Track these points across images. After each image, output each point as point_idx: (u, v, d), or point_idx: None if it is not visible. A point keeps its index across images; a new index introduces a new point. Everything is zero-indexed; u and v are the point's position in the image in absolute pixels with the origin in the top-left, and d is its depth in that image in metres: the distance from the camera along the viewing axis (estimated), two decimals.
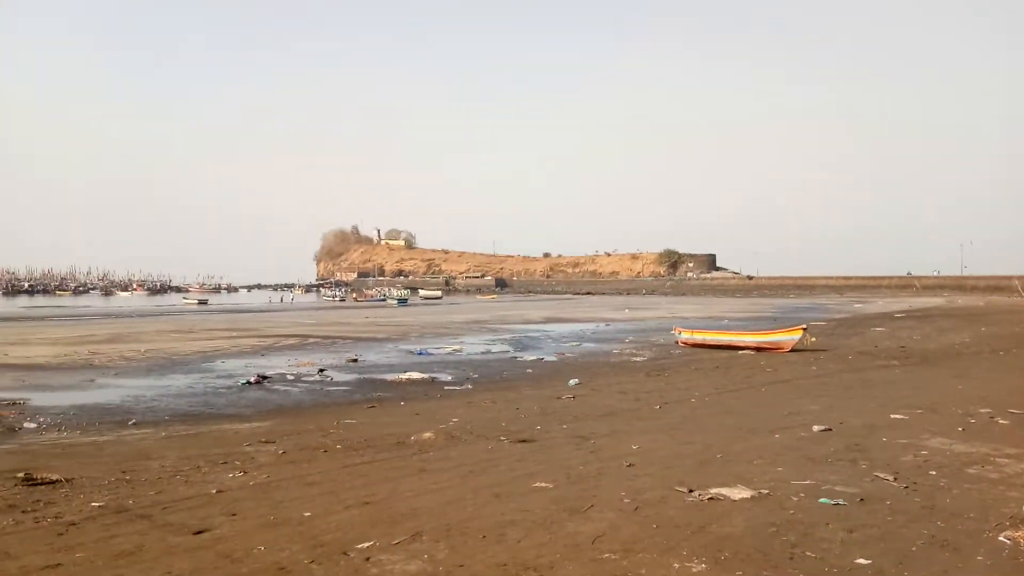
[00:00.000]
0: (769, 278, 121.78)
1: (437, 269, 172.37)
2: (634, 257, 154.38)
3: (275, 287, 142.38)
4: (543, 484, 7.05)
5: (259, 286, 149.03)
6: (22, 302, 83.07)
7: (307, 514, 6.15)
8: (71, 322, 41.31)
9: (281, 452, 8.86)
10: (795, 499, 6.47)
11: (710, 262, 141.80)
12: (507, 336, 30.71)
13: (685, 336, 25.33)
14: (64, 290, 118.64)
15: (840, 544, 5.31)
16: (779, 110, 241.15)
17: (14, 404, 12.85)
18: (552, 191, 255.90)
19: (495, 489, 6.90)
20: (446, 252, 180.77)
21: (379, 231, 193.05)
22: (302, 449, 9.06)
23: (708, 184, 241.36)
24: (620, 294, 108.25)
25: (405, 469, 7.90)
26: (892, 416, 10.72)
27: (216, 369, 18.71)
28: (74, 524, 6.02)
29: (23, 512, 6.38)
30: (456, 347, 25.11)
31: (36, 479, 7.46)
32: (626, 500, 6.45)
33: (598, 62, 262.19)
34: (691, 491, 6.71)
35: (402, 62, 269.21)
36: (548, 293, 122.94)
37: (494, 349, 24.79)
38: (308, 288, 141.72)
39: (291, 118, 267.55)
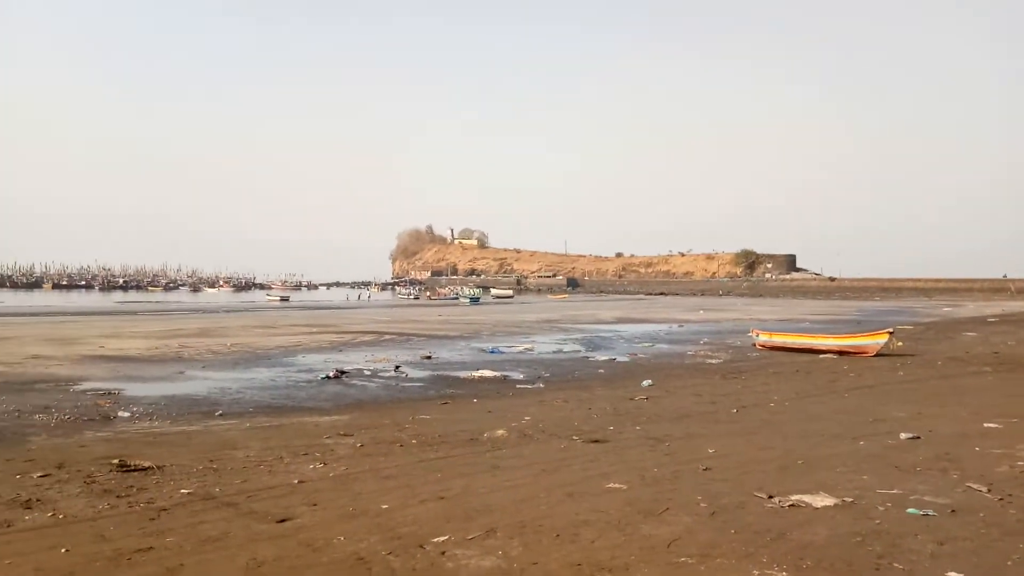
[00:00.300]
0: (852, 279, 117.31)
1: (509, 268, 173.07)
2: (709, 257, 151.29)
3: (352, 285, 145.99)
4: (617, 485, 6.99)
5: (337, 284, 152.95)
6: (117, 297, 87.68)
7: (384, 506, 6.28)
8: (162, 317, 43.32)
9: (359, 445, 9.07)
10: (881, 508, 6.22)
11: (789, 263, 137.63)
12: (578, 336, 30.58)
13: (763, 338, 24.68)
14: (156, 286, 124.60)
15: (930, 556, 5.08)
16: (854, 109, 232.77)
17: (109, 394, 13.56)
18: (624, 190, 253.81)
19: (568, 488, 6.88)
20: (518, 251, 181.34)
21: (452, 230, 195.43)
22: (379, 443, 9.24)
23: (788, 183, 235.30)
24: (694, 295, 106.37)
25: (478, 465, 7.97)
26: (985, 425, 10.18)
27: (297, 363, 19.29)
28: (165, 509, 6.31)
29: (117, 497, 6.72)
30: (527, 346, 25.16)
31: (129, 465, 7.86)
32: (703, 504, 6.33)
33: (677, 58, 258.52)
34: (771, 497, 6.53)
35: (474, 66, 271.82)
36: (620, 293, 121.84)
37: (565, 348, 24.73)
38: (383, 286, 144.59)
39: (372, 118, 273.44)
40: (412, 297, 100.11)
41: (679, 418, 11.17)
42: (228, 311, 52.97)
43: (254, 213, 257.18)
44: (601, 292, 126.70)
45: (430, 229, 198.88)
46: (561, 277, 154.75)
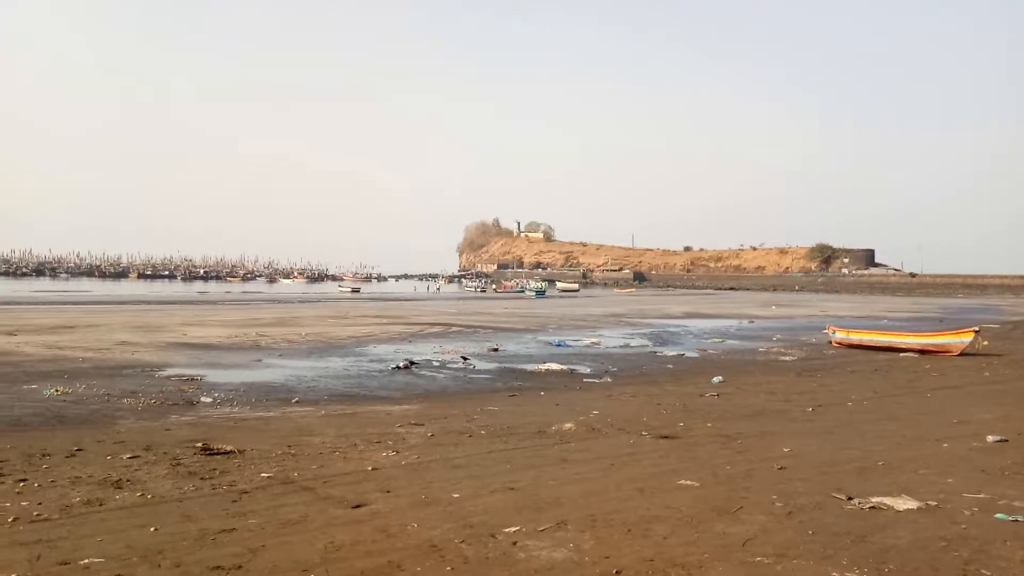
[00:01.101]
0: (934, 276, 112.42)
1: (575, 262, 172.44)
2: (782, 252, 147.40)
3: (420, 277, 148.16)
4: (688, 482, 6.90)
5: (406, 276, 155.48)
6: (197, 287, 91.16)
7: (455, 495, 6.36)
8: (240, 306, 44.86)
9: (429, 435, 9.21)
10: (967, 513, 5.96)
11: (867, 258, 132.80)
12: (646, 330, 30.27)
13: (840, 336, 23.92)
14: (234, 277, 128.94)
15: (1020, 563, 4.85)
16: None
17: (192, 380, 14.13)
18: (693, 184, 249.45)
19: (638, 484, 6.83)
20: (584, 245, 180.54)
21: (519, 224, 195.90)
22: (448, 433, 9.37)
23: (867, 175, 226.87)
24: (766, 290, 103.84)
25: (547, 458, 7.99)
26: None
27: (368, 353, 19.70)
28: (246, 492, 6.54)
29: (201, 479, 7.01)
30: (594, 340, 25.04)
31: (212, 449, 8.18)
32: (778, 504, 6.19)
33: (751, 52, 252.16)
34: (850, 499, 6.34)
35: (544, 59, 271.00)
36: (688, 288, 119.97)
37: (633, 343, 24.51)
38: (450, 279, 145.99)
39: (437, 113, 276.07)
40: (479, 290, 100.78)
41: (752, 416, 10.94)
42: (302, 301, 54.44)
43: (326, 206, 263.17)
44: (668, 287, 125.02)
45: (497, 222, 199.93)
46: (628, 271, 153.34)
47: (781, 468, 7.50)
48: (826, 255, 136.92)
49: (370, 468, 7.41)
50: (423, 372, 16.24)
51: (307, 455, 8.00)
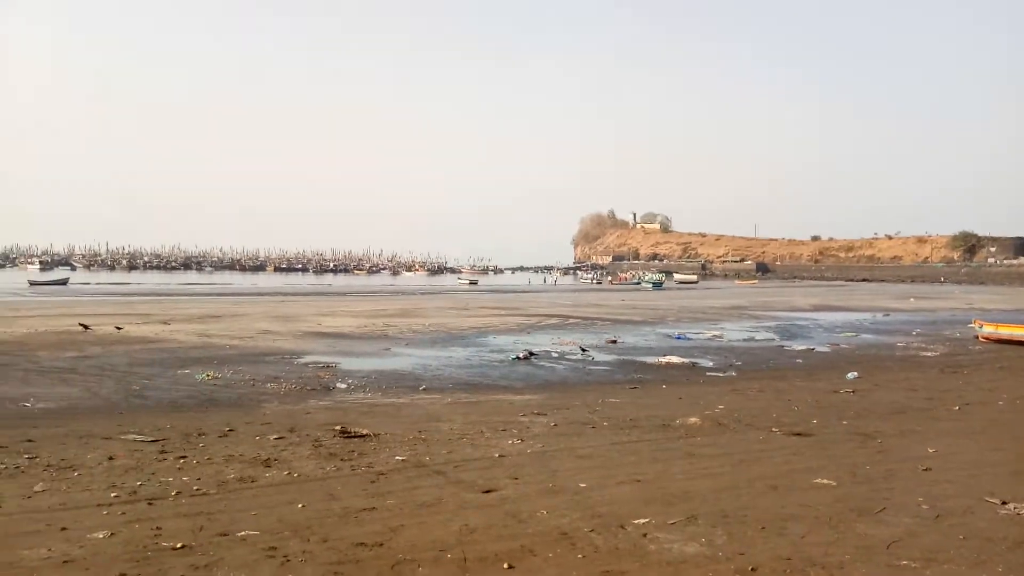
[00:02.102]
0: None
1: (693, 253, 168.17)
2: (920, 240, 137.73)
3: (535, 269, 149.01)
4: (825, 481, 6.64)
5: (521, 268, 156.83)
6: (328, 279, 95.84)
7: (582, 485, 6.42)
8: (368, 297, 46.80)
9: (552, 424, 9.31)
10: None
11: (1017, 246, 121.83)
12: (771, 323, 29.18)
13: (988, 330, 22.16)
14: (360, 269, 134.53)
15: None
16: None
17: (328, 367, 14.91)
18: (821, 168, 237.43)
19: (771, 481, 6.65)
20: (703, 235, 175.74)
21: (635, 215, 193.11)
22: (571, 423, 9.44)
23: (1013, 156, 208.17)
24: (902, 281, 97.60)
25: (673, 451, 7.91)
26: None
27: (489, 344, 20.10)
28: (383, 474, 6.87)
29: (342, 460, 7.41)
30: (716, 333, 24.41)
31: (350, 432, 8.63)
32: (924, 506, 5.87)
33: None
34: (1004, 503, 5.91)
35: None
36: (816, 279, 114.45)
37: (758, 336, 23.71)
38: (565, 271, 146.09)
39: (552, 103, 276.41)
40: (594, 282, 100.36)
41: (891, 414, 10.37)
42: (424, 293, 56.12)
43: (446, 201, 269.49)
44: (794, 278, 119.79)
45: (612, 213, 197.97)
46: (750, 262, 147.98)
47: (926, 469, 7.08)
48: (970, 244, 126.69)
49: (497, 455, 7.59)
50: (542, 363, 16.39)
51: (437, 440, 8.29)
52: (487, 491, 6.24)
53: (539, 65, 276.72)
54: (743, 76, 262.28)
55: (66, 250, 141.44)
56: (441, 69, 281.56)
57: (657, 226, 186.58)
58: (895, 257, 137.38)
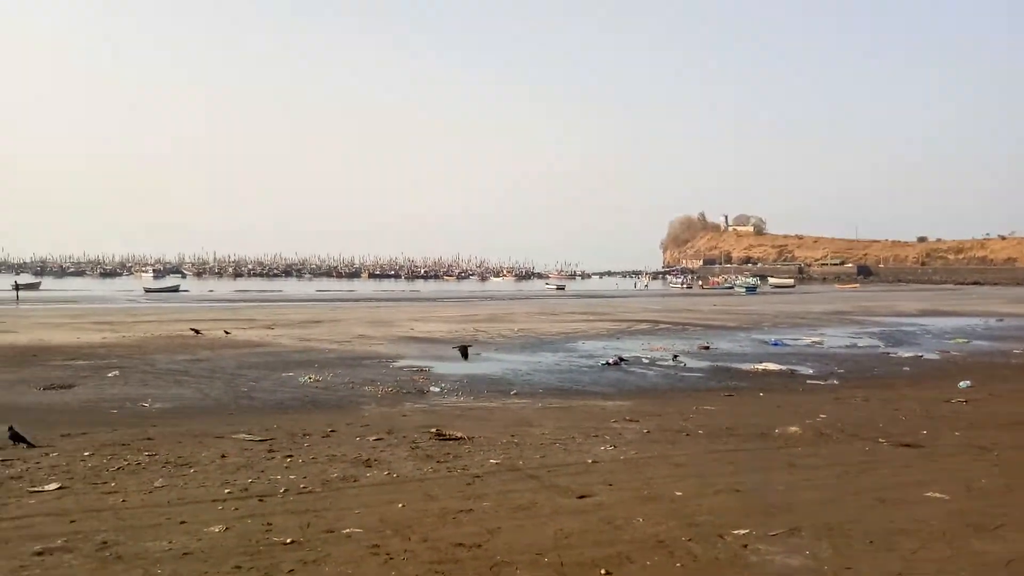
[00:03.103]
0: None
1: (789, 256, 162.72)
2: None
3: (623, 274, 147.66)
4: (937, 494, 6.32)
5: (609, 273, 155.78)
6: (418, 285, 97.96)
7: (678, 493, 6.34)
8: (457, 303, 47.58)
9: (645, 431, 9.22)
10: None
11: None
12: (874, 329, 27.91)
13: None
14: (450, 275, 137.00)
15: None
16: None
17: (421, 370, 15.27)
18: (928, 164, 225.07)
19: (878, 493, 6.38)
20: (799, 237, 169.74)
21: (727, 217, 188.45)
22: (664, 431, 9.32)
23: None
24: (1018, 284, 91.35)
25: (773, 461, 7.70)
26: None
27: (578, 349, 20.08)
28: (478, 476, 6.98)
29: (438, 462, 7.58)
30: (815, 339, 23.55)
31: (445, 435, 8.80)
32: None
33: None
34: None
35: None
36: (922, 282, 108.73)
37: (860, 343, 22.72)
38: (654, 275, 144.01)
39: (641, 103, 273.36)
40: (684, 286, 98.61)
41: (1011, 425, 9.75)
42: (512, 299, 56.57)
43: (530, 205, 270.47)
44: (899, 281, 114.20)
45: (702, 216, 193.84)
46: (850, 265, 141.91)
47: None
48: None
49: (590, 461, 7.59)
50: (633, 369, 16.25)
51: (529, 445, 8.36)
52: (582, 496, 6.24)
53: (626, 59, 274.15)
54: (839, 68, 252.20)
55: (177, 259, 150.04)
56: (526, 70, 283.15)
57: (750, 228, 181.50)
58: (1009, 259, 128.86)
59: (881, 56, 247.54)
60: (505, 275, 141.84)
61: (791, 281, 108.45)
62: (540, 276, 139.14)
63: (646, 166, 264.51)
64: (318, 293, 63.69)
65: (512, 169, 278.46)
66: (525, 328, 26.35)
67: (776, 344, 22.02)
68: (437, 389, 12.92)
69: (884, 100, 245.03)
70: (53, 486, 6.52)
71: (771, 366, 16.49)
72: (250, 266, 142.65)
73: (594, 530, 5.37)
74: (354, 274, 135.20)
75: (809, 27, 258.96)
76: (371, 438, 8.69)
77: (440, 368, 15.75)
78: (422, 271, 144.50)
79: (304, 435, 8.85)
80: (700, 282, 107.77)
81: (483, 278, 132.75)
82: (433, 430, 8.99)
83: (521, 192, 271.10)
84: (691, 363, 17.34)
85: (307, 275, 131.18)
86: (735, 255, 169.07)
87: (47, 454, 7.72)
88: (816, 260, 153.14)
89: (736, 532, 5.31)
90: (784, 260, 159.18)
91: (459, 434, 8.80)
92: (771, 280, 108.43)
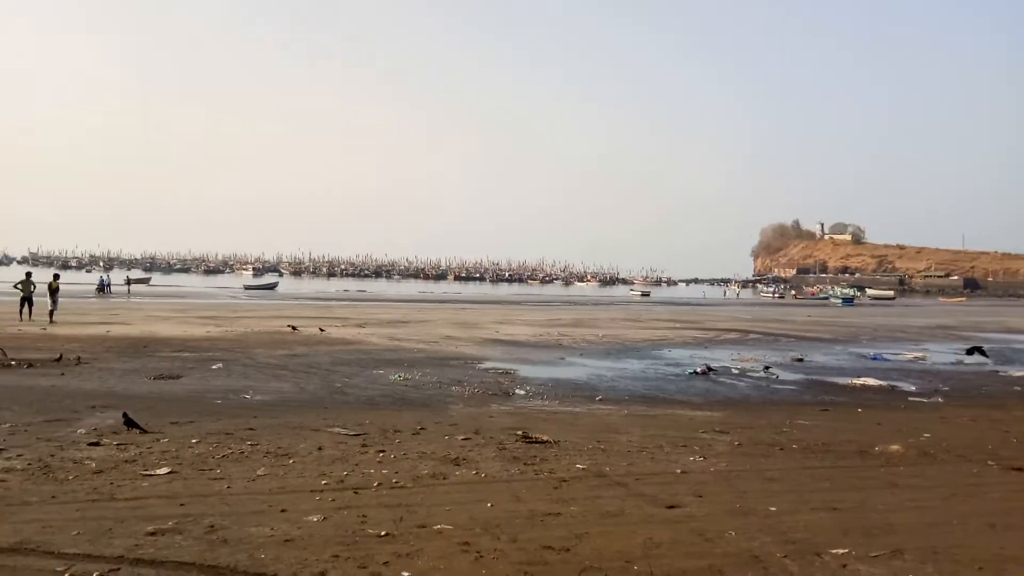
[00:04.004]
0: None
1: (889, 267, 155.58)
2: None
3: (711, 282, 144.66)
4: None
5: (696, 280, 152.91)
6: (502, 289, 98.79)
7: (772, 509, 6.17)
8: (541, 307, 47.71)
9: (736, 444, 9.01)
10: None
11: None
12: (984, 346, 26.28)
13: None
14: (534, 279, 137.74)
15: None
16: None
17: (507, 373, 15.39)
18: None
19: (987, 518, 6.03)
20: (900, 248, 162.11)
21: (822, 225, 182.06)
22: (756, 444, 9.08)
23: None
24: None
25: (872, 480, 7.38)
26: None
27: (664, 357, 19.79)
28: (565, 481, 6.99)
29: (525, 464, 7.63)
30: (917, 354, 22.39)
31: (531, 438, 8.84)
32: None
33: None
34: None
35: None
36: None
37: (967, 360, 21.45)
38: (744, 284, 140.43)
39: (729, 108, 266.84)
40: (776, 296, 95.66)
41: None
42: (595, 304, 56.29)
43: (616, 210, 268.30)
44: (1009, 296, 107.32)
45: (796, 224, 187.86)
46: (956, 277, 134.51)
47: None
48: None
49: (679, 471, 7.48)
50: (722, 379, 15.88)
51: (616, 452, 8.30)
52: (671, 507, 6.16)
53: (722, 63, 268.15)
54: (948, 70, 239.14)
55: (275, 258, 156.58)
56: (616, 71, 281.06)
57: (848, 237, 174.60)
58: None
59: (994, 57, 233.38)
60: (589, 280, 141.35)
61: (891, 293, 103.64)
62: (624, 282, 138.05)
63: (736, 171, 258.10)
64: (405, 294, 65.12)
65: (595, 170, 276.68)
66: (609, 334, 26.17)
67: (875, 358, 21.08)
68: (522, 392, 12.99)
69: (994, 102, 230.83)
70: (164, 470, 6.93)
71: (870, 381, 15.79)
72: (343, 266, 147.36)
73: (685, 541, 5.30)
74: (441, 276, 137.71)
75: (916, 26, 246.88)
76: (459, 437, 8.83)
77: (525, 371, 15.83)
78: (506, 274, 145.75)
79: (395, 431, 9.07)
80: (793, 292, 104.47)
81: (567, 282, 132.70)
82: (519, 432, 9.05)
83: (608, 194, 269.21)
84: (784, 375, 16.81)
85: (396, 276, 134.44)
86: (831, 264, 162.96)
87: (158, 440, 8.20)
88: (918, 272, 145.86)
89: (834, 551, 5.13)
90: (884, 271, 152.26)
91: (545, 437, 8.83)
92: (869, 291, 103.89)
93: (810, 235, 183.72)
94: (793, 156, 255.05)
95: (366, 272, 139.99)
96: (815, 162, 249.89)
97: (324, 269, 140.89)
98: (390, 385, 13.27)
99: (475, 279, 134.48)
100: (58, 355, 14.84)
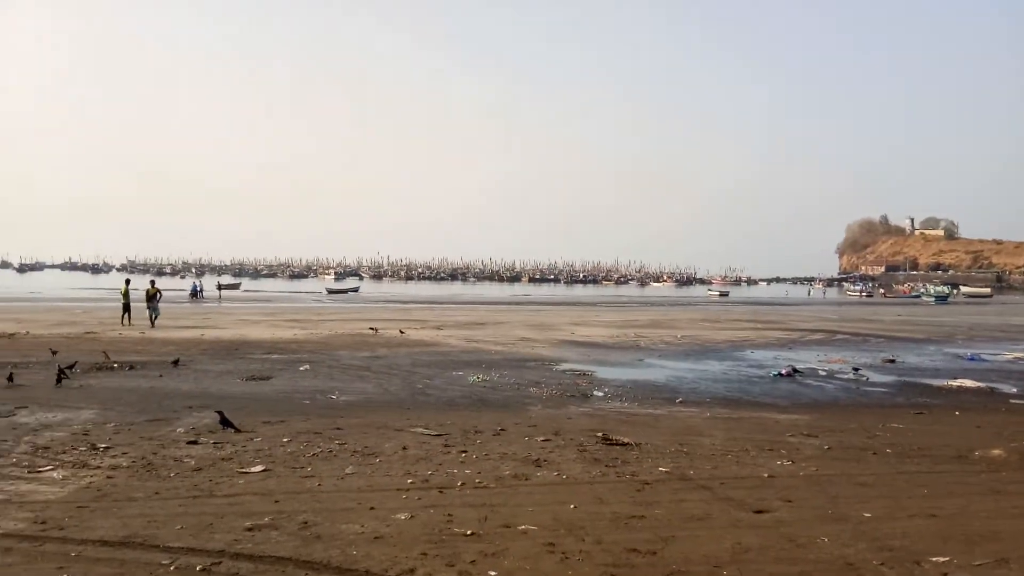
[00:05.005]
0: None
1: (986, 263, 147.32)
2: None
3: (793, 281, 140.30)
4: None
5: (777, 279, 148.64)
6: (577, 290, 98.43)
7: (866, 515, 5.96)
8: (616, 308, 47.30)
9: (826, 447, 8.73)
10: None
11: None
12: None
13: None
14: (608, 280, 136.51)
15: None
16: None
17: (584, 375, 15.34)
18: None
19: None
20: (998, 243, 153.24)
21: (912, 220, 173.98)
22: (847, 448, 8.77)
23: None
24: None
25: (973, 486, 7.04)
26: None
27: (746, 358, 19.33)
28: (647, 483, 6.93)
29: (606, 466, 7.59)
30: (1019, 354, 21.16)
31: (611, 440, 8.79)
32: None
33: None
34: None
35: None
36: None
37: None
38: (829, 282, 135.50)
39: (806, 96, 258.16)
40: (863, 294, 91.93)
41: None
42: (673, 305, 55.39)
43: (689, 208, 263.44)
44: None
45: (884, 219, 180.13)
46: None
47: None
48: None
49: (766, 475, 7.30)
50: (808, 381, 15.40)
51: (699, 455, 8.17)
52: (759, 511, 6.02)
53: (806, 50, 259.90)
54: None
55: (355, 262, 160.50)
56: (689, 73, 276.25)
57: (940, 232, 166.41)
58: None
59: None
60: (665, 280, 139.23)
61: (988, 290, 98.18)
62: (702, 282, 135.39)
63: (819, 164, 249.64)
64: (480, 296, 65.74)
65: (668, 171, 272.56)
66: (688, 335, 25.73)
67: (972, 359, 20.04)
68: (600, 393, 12.93)
69: None
70: (258, 468, 7.22)
71: (967, 383, 15.02)
72: (419, 270, 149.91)
73: (775, 547, 5.17)
74: (515, 278, 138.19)
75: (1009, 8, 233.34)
76: (539, 439, 8.86)
77: (602, 373, 15.74)
78: (581, 275, 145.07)
79: (475, 432, 9.18)
80: (882, 290, 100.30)
81: (642, 283, 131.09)
82: (599, 434, 9.01)
83: (682, 195, 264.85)
84: (874, 377, 16.18)
85: (471, 279, 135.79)
86: (922, 261, 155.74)
87: (251, 439, 8.55)
88: (1017, 268, 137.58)
89: (934, 559, 4.92)
90: (980, 267, 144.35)
91: (626, 440, 8.77)
92: (964, 289, 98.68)
93: (899, 231, 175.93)
94: (879, 147, 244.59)
95: (442, 275, 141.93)
96: (903, 154, 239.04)
97: (402, 273, 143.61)
98: (469, 386, 13.43)
99: (549, 281, 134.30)
100: (175, 360, 15.52)
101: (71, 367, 13.83)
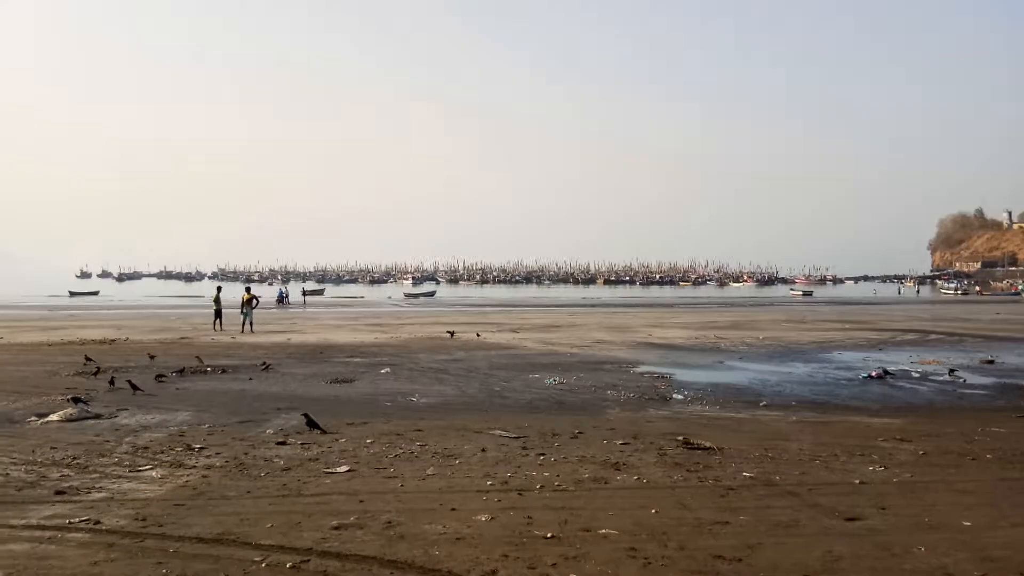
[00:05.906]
0: None
1: None
2: None
3: (883, 279, 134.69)
4: None
5: (865, 277, 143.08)
6: (653, 292, 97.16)
7: (966, 523, 5.66)
8: (695, 309, 46.47)
9: (921, 453, 8.34)
10: None
11: None
12: None
13: None
14: (685, 281, 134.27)
15: None
16: None
17: (663, 377, 15.11)
18: None
19: None
20: None
21: (1010, 213, 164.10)
22: (944, 453, 8.36)
23: None
24: None
25: None
26: None
27: (833, 360, 18.66)
28: (731, 489, 6.77)
29: (688, 471, 7.45)
30: None
31: (693, 444, 8.62)
32: None
33: None
34: None
35: None
36: None
37: None
38: (921, 280, 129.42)
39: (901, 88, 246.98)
40: (958, 292, 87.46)
41: None
42: (754, 305, 53.99)
43: (771, 206, 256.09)
44: None
45: (980, 213, 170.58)
46: None
47: None
48: None
49: (857, 481, 7.03)
50: (900, 383, 14.75)
51: (786, 460, 7.93)
52: (850, 519, 5.80)
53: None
54: None
55: (432, 267, 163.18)
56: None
57: None
58: None
59: None
60: (745, 280, 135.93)
61: None
62: (784, 281, 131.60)
63: (907, 157, 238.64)
64: (556, 299, 65.66)
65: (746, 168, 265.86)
66: (771, 336, 25.03)
67: None
68: (680, 396, 12.72)
69: None
70: (344, 468, 7.42)
71: None
72: (494, 273, 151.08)
73: (868, 555, 4.97)
74: (589, 280, 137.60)
75: None
76: (617, 442, 8.78)
77: (681, 375, 15.48)
78: (657, 276, 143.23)
79: (553, 435, 9.17)
80: (978, 287, 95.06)
81: (721, 283, 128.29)
82: (680, 438, 8.86)
83: (762, 192, 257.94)
84: (972, 379, 15.35)
85: (546, 281, 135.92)
86: (1021, 257, 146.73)
87: (336, 440, 8.79)
88: None
89: None
90: None
91: (708, 444, 8.59)
92: None
93: (996, 225, 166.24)
94: (974, 137, 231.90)
95: (516, 278, 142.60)
96: (999, 143, 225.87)
97: (477, 276, 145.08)
98: (546, 389, 13.43)
99: (624, 282, 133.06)
100: (264, 364, 16.16)
101: (181, 372, 14.84)
